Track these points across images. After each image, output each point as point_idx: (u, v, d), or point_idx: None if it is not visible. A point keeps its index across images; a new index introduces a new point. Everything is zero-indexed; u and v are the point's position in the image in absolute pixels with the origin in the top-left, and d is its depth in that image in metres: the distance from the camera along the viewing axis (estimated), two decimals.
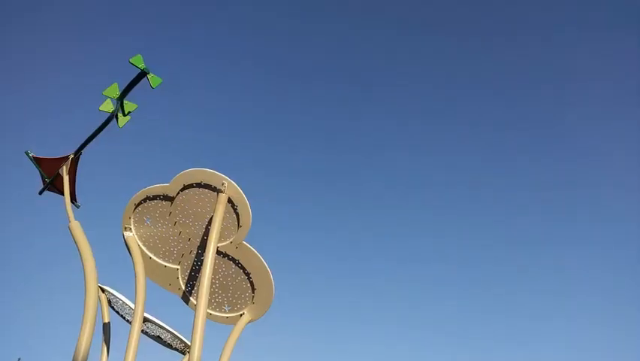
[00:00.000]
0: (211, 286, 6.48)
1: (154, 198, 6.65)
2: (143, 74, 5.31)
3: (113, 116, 5.94)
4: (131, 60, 5.18)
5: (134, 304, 6.54)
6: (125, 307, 7.91)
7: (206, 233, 6.62)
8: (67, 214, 6.34)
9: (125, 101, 5.83)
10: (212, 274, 6.21)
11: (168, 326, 8.05)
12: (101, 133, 6.27)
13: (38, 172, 7.06)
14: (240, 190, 6.31)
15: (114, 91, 5.74)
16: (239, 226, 6.48)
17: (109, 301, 7.99)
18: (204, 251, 6.41)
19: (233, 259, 6.77)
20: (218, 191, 6.30)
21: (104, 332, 7.86)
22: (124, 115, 5.90)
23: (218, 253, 6.67)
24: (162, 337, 8.29)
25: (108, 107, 5.91)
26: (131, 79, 5.44)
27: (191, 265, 7.01)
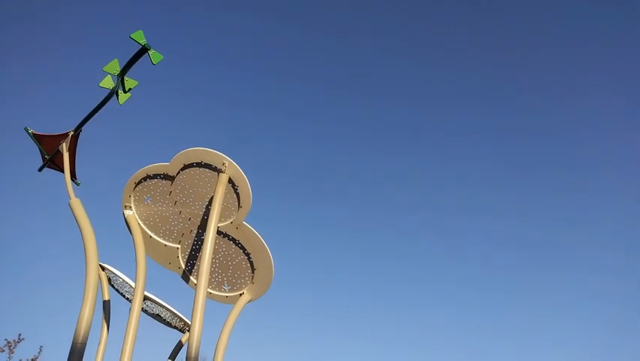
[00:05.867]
0: (211, 266, 6.51)
1: (154, 177, 6.62)
2: (144, 50, 5.21)
3: (113, 92, 5.85)
4: (131, 35, 5.09)
5: (135, 282, 6.56)
6: (125, 285, 7.94)
7: (207, 213, 6.62)
8: (68, 191, 6.30)
9: (125, 78, 5.75)
10: (213, 254, 6.21)
11: (167, 305, 8.10)
12: (101, 110, 6.19)
13: (38, 149, 7.00)
14: (241, 171, 6.28)
15: (114, 67, 5.65)
16: (239, 206, 6.47)
17: (109, 280, 8.02)
18: (204, 231, 6.41)
19: (233, 239, 6.78)
20: (218, 171, 6.27)
21: (104, 310, 7.90)
22: (124, 92, 5.82)
23: (219, 233, 6.67)
24: (161, 315, 8.36)
25: (108, 83, 5.82)
26: (132, 55, 5.35)
27: (191, 244, 7.02)
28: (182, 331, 8.53)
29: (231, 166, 6.22)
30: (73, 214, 6.11)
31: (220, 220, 6.37)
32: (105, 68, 5.65)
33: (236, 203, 6.45)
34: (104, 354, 7.54)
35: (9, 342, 13.73)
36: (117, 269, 7.89)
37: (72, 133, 6.65)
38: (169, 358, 8.35)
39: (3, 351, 13.50)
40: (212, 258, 6.75)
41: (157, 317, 8.42)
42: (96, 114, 6.28)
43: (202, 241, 6.82)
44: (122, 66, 5.62)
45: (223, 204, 6.27)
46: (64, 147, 6.69)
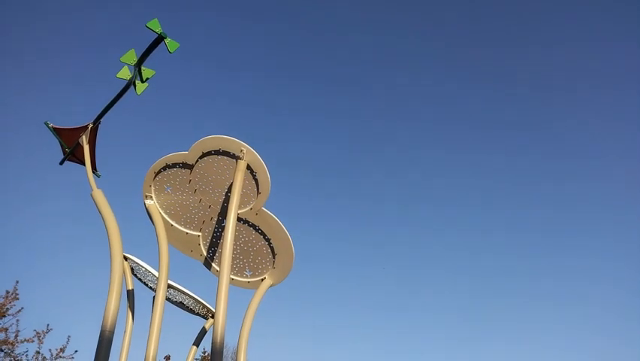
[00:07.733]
0: (233, 252, 6.57)
1: (173, 166, 6.68)
2: (160, 38, 5.21)
3: (130, 83, 5.88)
4: (147, 24, 5.08)
5: (158, 270, 6.66)
6: (148, 274, 8.06)
7: (226, 200, 6.67)
8: (90, 183, 6.39)
9: (142, 68, 5.76)
10: (234, 240, 6.26)
11: (190, 292, 8.21)
12: (119, 101, 6.23)
13: (58, 142, 7.09)
14: (259, 157, 6.29)
15: (131, 57, 5.66)
16: (258, 192, 6.50)
17: (132, 269, 8.14)
18: (225, 218, 6.47)
19: (253, 225, 6.83)
20: (236, 158, 6.29)
21: (128, 299, 8.04)
22: (142, 82, 5.84)
23: (239, 219, 6.72)
24: (185, 302, 8.47)
25: (125, 74, 5.85)
26: (148, 44, 5.36)
27: (212, 231, 7.09)
28: (205, 317, 8.65)
29: (249, 153, 6.24)
30: (96, 205, 6.20)
31: (240, 207, 6.41)
32: (122, 59, 5.67)
33: (255, 189, 6.48)
34: (130, 343, 7.70)
35: (38, 333, 14.11)
36: (139, 258, 8.01)
37: (91, 125, 6.72)
38: (193, 344, 8.50)
39: (33, 342, 13.89)
40: (234, 244, 6.81)
41: (180, 304, 8.54)
42: (114, 105, 6.33)
43: (223, 228, 6.89)
44: (139, 56, 5.63)
45: (242, 191, 6.30)
46: (84, 140, 6.78)
